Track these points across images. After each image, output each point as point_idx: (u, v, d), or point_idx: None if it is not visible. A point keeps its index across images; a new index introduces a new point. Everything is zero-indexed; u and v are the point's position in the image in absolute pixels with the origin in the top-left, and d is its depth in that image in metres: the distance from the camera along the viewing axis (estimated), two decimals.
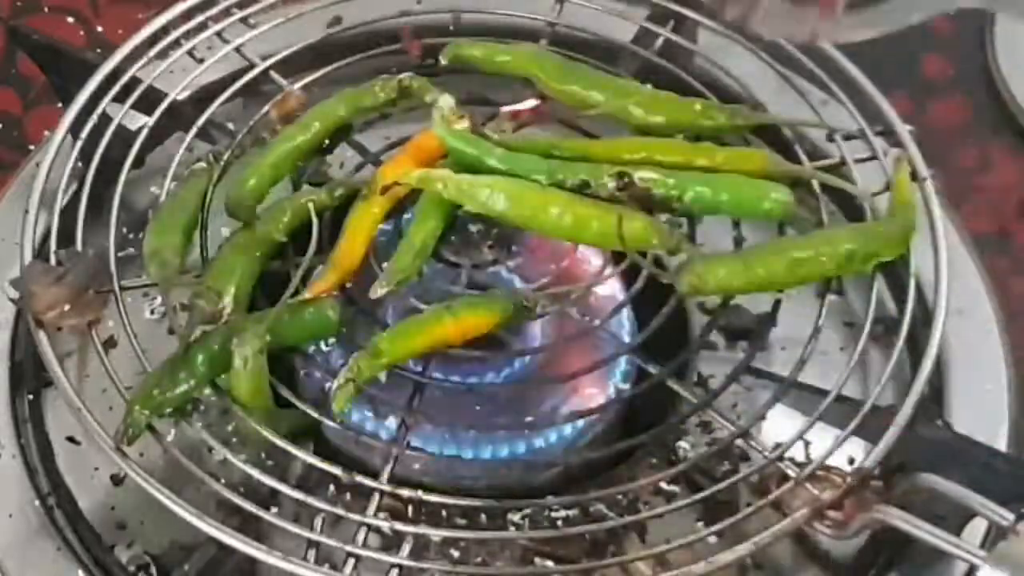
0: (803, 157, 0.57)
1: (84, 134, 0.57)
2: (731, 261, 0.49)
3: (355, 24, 0.65)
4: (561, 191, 0.49)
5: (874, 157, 0.57)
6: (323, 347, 0.56)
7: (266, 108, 0.57)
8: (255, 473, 0.46)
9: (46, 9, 0.78)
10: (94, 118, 0.58)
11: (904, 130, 0.58)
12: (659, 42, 0.64)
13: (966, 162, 0.73)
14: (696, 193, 0.49)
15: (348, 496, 0.51)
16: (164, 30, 0.61)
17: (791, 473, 0.46)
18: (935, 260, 0.53)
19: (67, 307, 0.48)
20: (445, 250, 0.53)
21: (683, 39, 0.64)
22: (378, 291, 0.49)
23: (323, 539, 0.45)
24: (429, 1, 0.67)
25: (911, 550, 0.51)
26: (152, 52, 0.60)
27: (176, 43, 0.61)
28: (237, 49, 0.61)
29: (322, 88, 0.60)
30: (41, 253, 0.53)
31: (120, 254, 0.53)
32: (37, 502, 0.52)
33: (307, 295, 0.49)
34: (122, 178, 0.55)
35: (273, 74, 0.61)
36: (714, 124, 0.56)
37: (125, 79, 0.59)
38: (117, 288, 0.51)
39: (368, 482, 0.47)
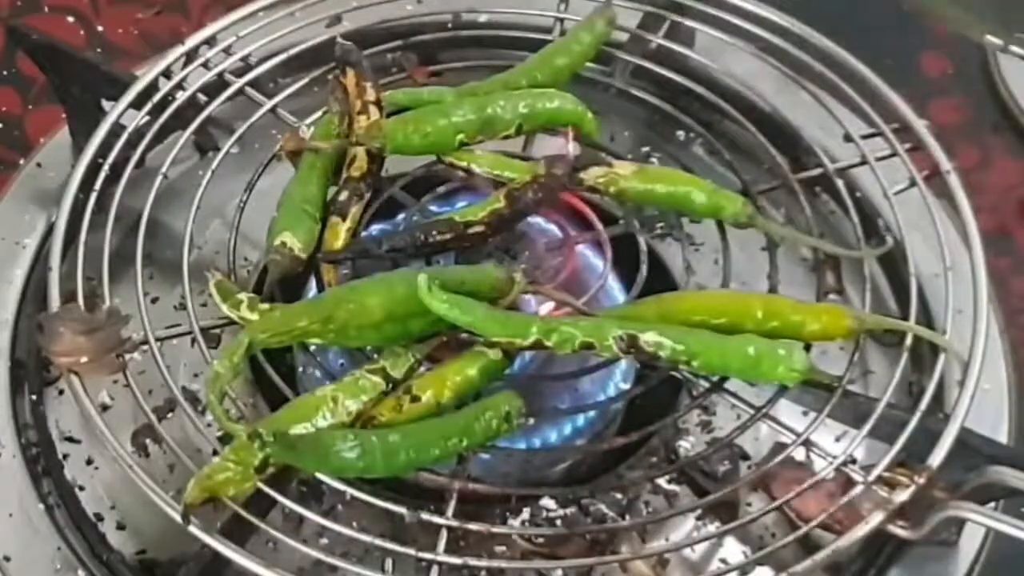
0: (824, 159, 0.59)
1: (112, 156, 0.56)
2: None
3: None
4: None
5: (894, 154, 0.57)
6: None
7: (277, 148, 0.56)
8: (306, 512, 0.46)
9: (46, 9, 0.78)
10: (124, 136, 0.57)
11: (920, 125, 0.58)
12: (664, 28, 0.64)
13: (966, 162, 0.72)
14: (705, 360, 0.47)
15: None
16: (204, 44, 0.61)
17: (857, 478, 0.47)
18: (970, 259, 0.53)
19: (84, 359, 0.47)
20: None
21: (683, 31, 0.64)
22: None
23: None
24: (433, 3, 0.67)
25: (911, 549, 0.51)
26: (191, 67, 0.60)
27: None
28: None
29: (323, 88, 0.60)
30: (38, 260, 0.52)
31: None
32: (37, 502, 0.53)
33: None
34: (144, 217, 0.55)
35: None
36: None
37: (158, 96, 0.58)
38: (152, 337, 0.50)
39: (436, 519, 0.46)
